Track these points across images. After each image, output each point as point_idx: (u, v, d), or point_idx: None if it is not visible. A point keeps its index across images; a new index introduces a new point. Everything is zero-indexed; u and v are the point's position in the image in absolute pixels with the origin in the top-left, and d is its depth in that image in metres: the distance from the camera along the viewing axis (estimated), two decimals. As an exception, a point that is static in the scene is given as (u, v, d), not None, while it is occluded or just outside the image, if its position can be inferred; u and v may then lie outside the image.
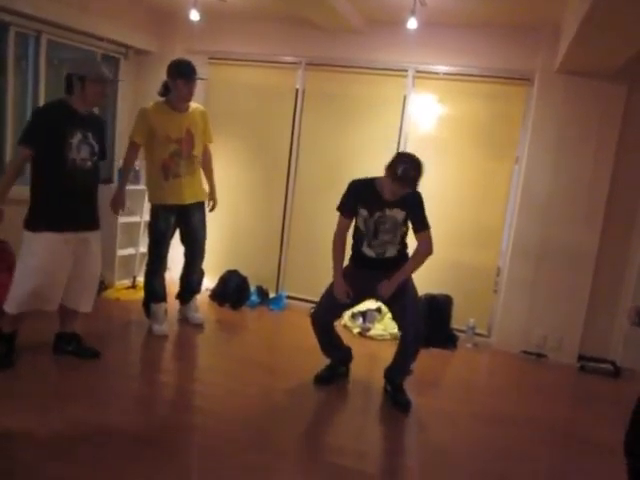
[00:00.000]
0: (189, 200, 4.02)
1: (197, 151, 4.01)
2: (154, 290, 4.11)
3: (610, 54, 3.54)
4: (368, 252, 3.39)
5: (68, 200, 3.18)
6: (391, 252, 3.38)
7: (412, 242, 3.40)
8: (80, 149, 3.19)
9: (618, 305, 4.38)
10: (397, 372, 3.46)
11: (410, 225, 3.37)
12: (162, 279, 4.16)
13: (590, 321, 4.41)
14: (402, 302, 3.35)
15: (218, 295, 5.04)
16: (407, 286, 3.35)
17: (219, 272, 5.16)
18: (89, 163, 3.25)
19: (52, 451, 2.53)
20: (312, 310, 3.66)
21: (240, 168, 5.25)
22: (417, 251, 3.33)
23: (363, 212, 3.33)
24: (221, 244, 5.33)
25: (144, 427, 2.85)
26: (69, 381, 3.24)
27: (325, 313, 3.51)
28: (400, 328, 3.44)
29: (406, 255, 3.45)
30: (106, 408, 2.99)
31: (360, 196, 3.34)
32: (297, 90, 5.00)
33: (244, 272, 5.13)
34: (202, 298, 5.05)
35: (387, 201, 3.25)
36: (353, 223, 3.44)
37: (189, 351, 4.09)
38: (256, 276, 5.16)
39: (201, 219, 4.17)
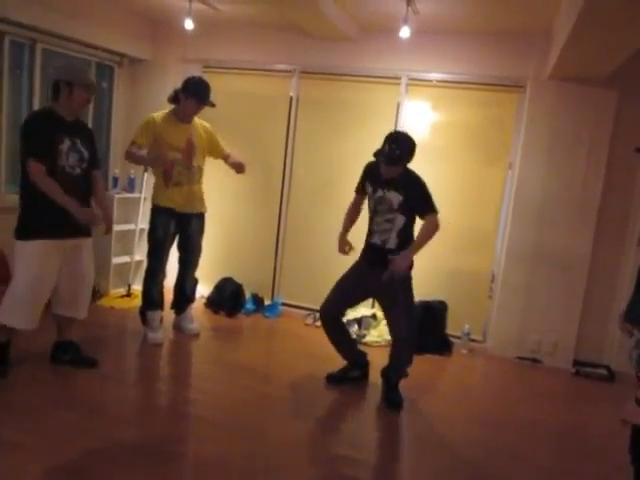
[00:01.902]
0: (187, 210, 4.05)
1: (197, 162, 4.05)
2: (151, 297, 4.11)
3: (601, 60, 3.58)
4: (373, 239, 3.47)
5: (58, 207, 3.13)
6: (391, 243, 3.39)
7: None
8: (69, 156, 3.18)
9: (612, 309, 4.39)
10: (391, 372, 3.56)
11: (410, 217, 3.41)
12: (160, 287, 4.16)
13: (584, 326, 4.43)
14: (395, 306, 3.42)
15: (213, 302, 5.03)
16: (403, 289, 3.39)
17: (214, 279, 5.16)
18: (77, 170, 3.24)
19: (49, 461, 2.51)
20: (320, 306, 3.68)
21: (235, 175, 5.24)
22: (422, 228, 3.34)
23: (369, 188, 3.47)
24: (216, 251, 5.33)
25: (141, 435, 2.84)
26: (65, 390, 3.23)
27: (331, 307, 3.59)
28: (391, 332, 3.53)
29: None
30: (103, 417, 2.98)
31: (369, 173, 3.50)
32: (291, 98, 5.03)
33: (239, 279, 5.12)
34: (197, 306, 5.04)
35: (386, 181, 3.33)
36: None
37: (185, 359, 4.08)
38: (251, 283, 5.16)
39: (199, 227, 4.19)
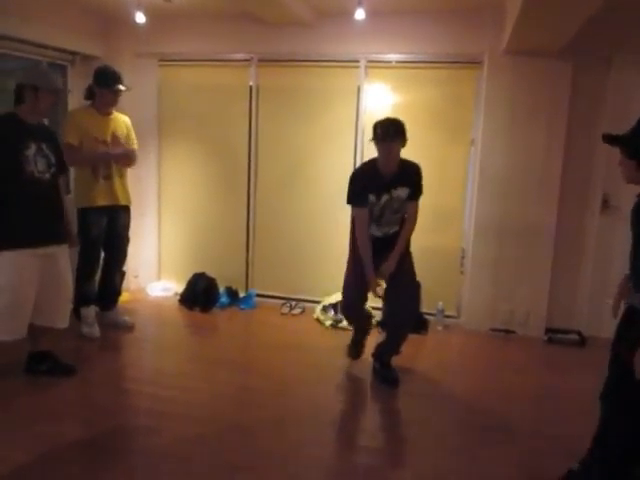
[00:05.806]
0: (121, 202, 4.11)
1: None
2: (86, 294, 4.12)
3: (554, 32, 3.63)
4: (375, 232, 3.49)
5: (30, 214, 3.08)
6: (394, 229, 3.51)
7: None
8: (37, 161, 3.11)
9: (580, 275, 4.51)
10: (387, 351, 3.60)
11: None
12: (94, 283, 4.20)
13: (554, 293, 4.53)
14: (398, 285, 3.45)
15: (187, 299, 4.98)
16: (404, 267, 3.46)
17: (186, 276, 5.10)
18: (47, 175, 3.17)
19: (27, 472, 2.47)
20: (340, 308, 3.88)
21: (199, 169, 5.20)
22: (406, 225, 3.47)
23: (371, 198, 3.38)
24: (187, 247, 5.28)
25: (116, 437, 2.82)
26: (46, 399, 3.16)
27: (352, 302, 3.63)
28: (392, 309, 3.54)
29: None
30: (81, 421, 2.94)
31: (367, 183, 3.37)
32: (251, 87, 4.98)
33: (212, 274, 5.09)
34: (171, 303, 5.01)
35: (391, 182, 3.36)
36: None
37: (161, 357, 4.03)
38: (224, 277, 5.13)
39: (127, 222, 4.25)
